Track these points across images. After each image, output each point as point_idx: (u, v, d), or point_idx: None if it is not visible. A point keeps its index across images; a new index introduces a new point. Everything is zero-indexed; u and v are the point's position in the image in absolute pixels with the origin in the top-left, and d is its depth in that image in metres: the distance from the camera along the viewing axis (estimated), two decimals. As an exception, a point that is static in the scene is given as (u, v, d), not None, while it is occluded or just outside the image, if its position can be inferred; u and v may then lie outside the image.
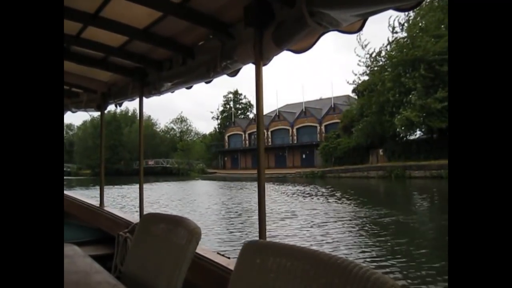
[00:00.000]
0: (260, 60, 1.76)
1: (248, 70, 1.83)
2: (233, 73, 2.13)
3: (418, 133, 34.07)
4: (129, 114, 62.72)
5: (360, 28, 1.53)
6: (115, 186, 25.98)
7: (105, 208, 3.54)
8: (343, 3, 1.36)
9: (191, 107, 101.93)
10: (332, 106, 48.12)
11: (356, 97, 41.24)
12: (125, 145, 57.84)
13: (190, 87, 2.51)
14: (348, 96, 51.01)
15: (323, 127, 48.71)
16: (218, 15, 1.95)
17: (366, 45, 36.33)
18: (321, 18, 1.45)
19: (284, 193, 20.45)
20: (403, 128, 30.41)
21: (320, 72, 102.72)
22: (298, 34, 1.57)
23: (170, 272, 1.57)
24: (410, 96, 28.62)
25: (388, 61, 32.12)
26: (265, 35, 1.70)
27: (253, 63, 1.83)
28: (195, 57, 2.29)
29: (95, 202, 3.80)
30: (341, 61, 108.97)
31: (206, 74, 2.19)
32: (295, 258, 1.16)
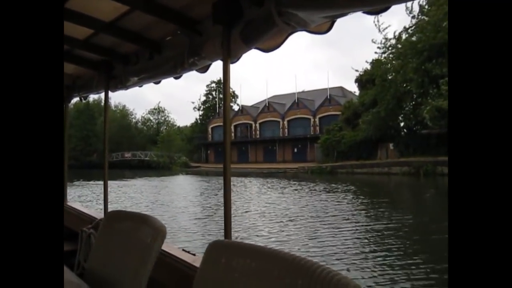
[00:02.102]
0: (228, 57, 1.85)
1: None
2: (202, 70, 2.20)
3: (417, 127, 32.68)
4: (103, 104, 61.77)
5: (329, 29, 1.62)
6: (98, 182, 21.69)
7: (68, 203, 3.60)
8: (312, 5, 1.45)
9: (162, 99, 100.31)
10: (328, 97, 48.04)
11: (357, 87, 40.87)
12: (99, 135, 56.98)
13: (158, 82, 2.56)
14: (341, 88, 50.99)
15: (317, 120, 48.75)
16: (186, 11, 2.04)
17: (384, 29, 34.95)
18: (290, 18, 1.53)
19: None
20: (431, 119, 27.66)
21: (297, 66, 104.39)
22: (266, 33, 1.67)
23: (135, 269, 1.66)
24: (440, 84, 26.70)
25: (408, 48, 30.59)
26: (233, 33, 1.79)
27: (221, 60, 1.91)
28: (163, 52, 2.37)
29: None
30: (321, 56, 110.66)
31: (174, 69, 2.26)
32: (260, 258, 1.24)
